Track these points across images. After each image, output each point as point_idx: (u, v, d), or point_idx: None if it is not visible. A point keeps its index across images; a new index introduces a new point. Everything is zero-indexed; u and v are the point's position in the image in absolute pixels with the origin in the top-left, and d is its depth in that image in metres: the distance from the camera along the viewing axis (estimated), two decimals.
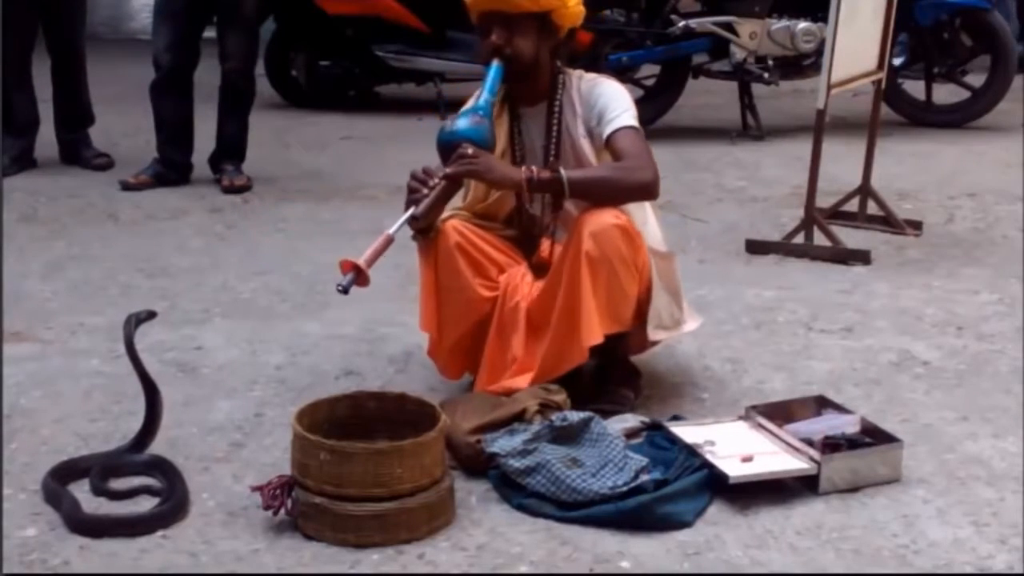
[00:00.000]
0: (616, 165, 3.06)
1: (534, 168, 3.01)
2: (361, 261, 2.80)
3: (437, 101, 7.22)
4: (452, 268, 3.11)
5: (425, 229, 3.05)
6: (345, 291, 2.81)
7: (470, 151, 2.95)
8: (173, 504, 2.70)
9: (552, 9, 3.10)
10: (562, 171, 2.99)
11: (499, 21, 3.09)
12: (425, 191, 2.94)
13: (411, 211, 2.94)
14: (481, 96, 3.08)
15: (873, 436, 2.93)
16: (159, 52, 5.54)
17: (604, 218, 2.98)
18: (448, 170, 2.96)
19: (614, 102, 3.11)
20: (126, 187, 5.56)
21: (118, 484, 2.81)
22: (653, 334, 3.13)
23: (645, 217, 3.18)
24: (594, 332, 3.00)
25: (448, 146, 3.00)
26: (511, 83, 3.18)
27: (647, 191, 3.05)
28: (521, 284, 3.18)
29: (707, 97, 7.56)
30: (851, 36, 4.53)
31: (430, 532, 2.60)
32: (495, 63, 3.10)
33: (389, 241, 2.87)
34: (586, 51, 6.80)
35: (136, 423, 2.96)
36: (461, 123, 3.02)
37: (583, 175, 3.04)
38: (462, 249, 3.11)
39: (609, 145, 3.08)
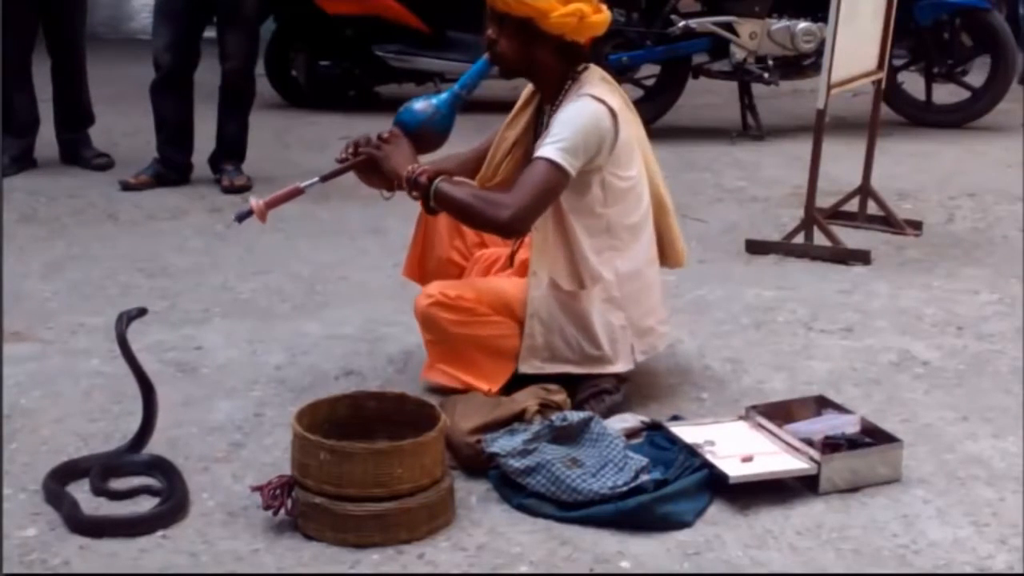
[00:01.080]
0: (484, 195, 3.04)
1: (418, 168, 3.03)
2: (260, 203, 3.04)
3: None
4: (433, 225, 3.34)
5: (375, 184, 3.18)
6: (239, 220, 3.08)
7: (386, 135, 3.09)
8: (173, 504, 2.70)
9: (530, 17, 3.01)
10: (437, 183, 2.99)
11: (493, 17, 3.09)
12: (345, 158, 3.14)
13: (318, 177, 3.13)
14: (452, 87, 3.14)
15: (873, 436, 2.94)
16: (159, 52, 5.54)
17: (422, 302, 3.12)
18: (361, 148, 3.12)
19: (559, 127, 2.99)
20: (126, 187, 5.56)
21: (118, 484, 2.81)
22: (528, 365, 3.13)
23: (614, 245, 3.10)
24: (491, 383, 3.12)
25: (396, 123, 3.14)
26: (507, 78, 3.21)
27: (497, 230, 3.05)
28: (492, 267, 3.33)
29: (707, 97, 7.56)
30: (851, 36, 4.52)
31: (430, 532, 2.60)
32: (484, 56, 3.13)
33: (296, 192, 3.11)
34: (586, 51, 6.80)
35: (135, 423, 2.96)
36: (412, 106, 3.15)
37: (450, 193, 3.00)
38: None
39: (525, 168, 3.04)
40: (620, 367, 3.18)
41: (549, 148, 2.97)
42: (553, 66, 3.12)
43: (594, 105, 3.02)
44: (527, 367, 3.11)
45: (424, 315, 3.12)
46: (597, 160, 3.03)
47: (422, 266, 3.41)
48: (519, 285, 3.14)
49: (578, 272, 3.09)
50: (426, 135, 3.10)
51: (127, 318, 2.91)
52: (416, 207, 3.18)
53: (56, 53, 5.88)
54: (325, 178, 3.14)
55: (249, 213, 3.03)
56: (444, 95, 3.14)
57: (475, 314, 3.10)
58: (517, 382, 3.12)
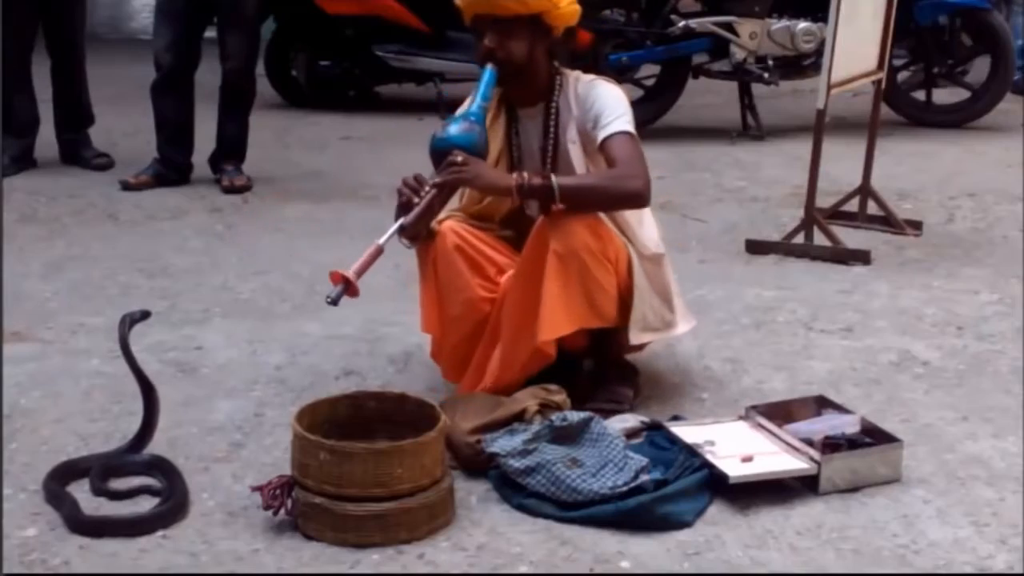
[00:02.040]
0: (608, 173, 3.04)
1: (525, 174, 2.98)
2: (350, 273, 2.79)
3: (437, 101, 7.22)
4: (452, 269, 3.10)
5: (415, 236, 3.03)
6: (334, 303, 2.80)
7: (459, 159, 2.94)
8: (173, 504, 2.70)
9: (543, 11, 3.07)
10: (553, 178, 2.97)
11: (491, 25, 3.07)
12: (416, 200, 2.93)
13: (400, 221, 2.93)
14: (474, 102, 3.07)
15: (873, 436, 2.93)
16: (159, 52, 5.54)
17: (567, 215, 2.98)
18: (437, 178, 2.95)
19: (610, 106, 3.08)
20: (126, 187, 5.57)
21: (118, 484, 2.81)
22: (636, 337, 3.13)
23: (641, 217, 3.18)
24: (557, 326, 2.99)
25: (440, 153, 2.99)
26: (507, 85, 3.16)
27: (637, 200, 3.04)
28: None
29: (707, 97, 7.56)
30: (851, 36, 4.52)
31: (430, 532, 2.60)
32: (489, 67, 3.09)
33: (379, 252, 2.87)
34: (586, 51, 6.80)
35: (136, 423, 2.96)
36: (452, 129, 3.01)
37: (574, 182, 3.01)
38: (461, 250, 3.10)
39: (603, 150, 3.06)
40: (683, 327, 3.26)
41: (618, 123, 3.05)
42: (545, 65, 3.16)
43: (613, 84, 3.16)
44: (636, 337, 3.13)
45: (560, 221, 2.96)
46: None
47: (443, 316, 3.15)
48: (623, 245, 3.10)
49: (644, 240, 3.15)
50: (479, 153, 3.03)
51: (130, 320, 2.91)
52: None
53: (56, 53, 5.88)
54: (403, 228, 2.92)
55: (343, 291, 2.79)
56: (473, 110, 3.05)
57: (605, 254, 3.02)
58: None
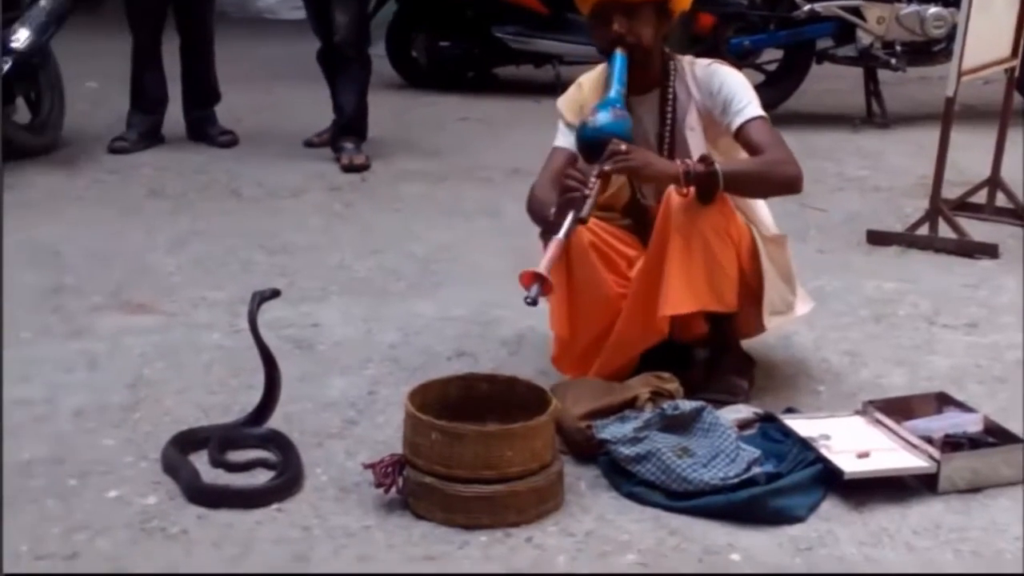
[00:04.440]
0: (767, 160, 3.02)
1: (688, 162, 2.96)
2: (542, 270, 2.77)
3: (555, 83, 7.20)
4: (587, 266, 3.06)
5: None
6: (534, 303, 2.77)
7: (623, 147, 2.91)
8: (288, 478, 2.75)
9: None
10: (717, 165, 2.94)
11: (619, 10, 3.05)
12: (586, 191, 2.87)
13: (577, 214, 2.87)
14: (611, 88, 3.03)
15: (997, 436, 2.85)
16: (313, 26, 5.90)
17: (689, 197, 2.96)
18: (605, 167, 2.91)
19: (740, 92, 3.07)
20: (309, 144, 5.94)
21: (235, 456, 2.88)
22: (768, 320, 3.10)
23: (758, 202, 3.14)
24: (680, 302, 2.95)
25: (593, 142, 2.96)
26: (643, 66, 3.12)
27: (795, 186, 3.05)
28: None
29: (831, 83, 7.40)
30: (985, 22, 4.39)
31: (538, 516, 2.60)
32: (619, 52, 3.06)
33: (562, 246, 2.85)
34: (708, 35, 6.72)
35: (254, 397, 3.03)
36: (602, 118, 2.97)
37: (737, 169, 3.01)
38: (596, 247, 3.08)
39: (741, 136, 3.04)
40: (802, 309, 3.24)
41: (751, 108, 3.06)
42: (659, 50, 3.15)
43: (733, 68, 3.16)
44: (769, 322, 3.12)
45: (684, 202, 2.94)
46: None
47: (574, 315, 3.07)
48: (746, 224, 3.08)
49: (765, 222, 3.15)
50: (631, 140, 3.00)
51: (260, 298, 2.98)
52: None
53: (185, 32, 6.02)
54: (581, 218, 2.86)
55: (540, 290, 2.74)
56: (613, 96, 3.01)
57: (728, 233, 2.99)
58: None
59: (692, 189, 2.95)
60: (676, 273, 2.95)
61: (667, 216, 2.97)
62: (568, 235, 2.85)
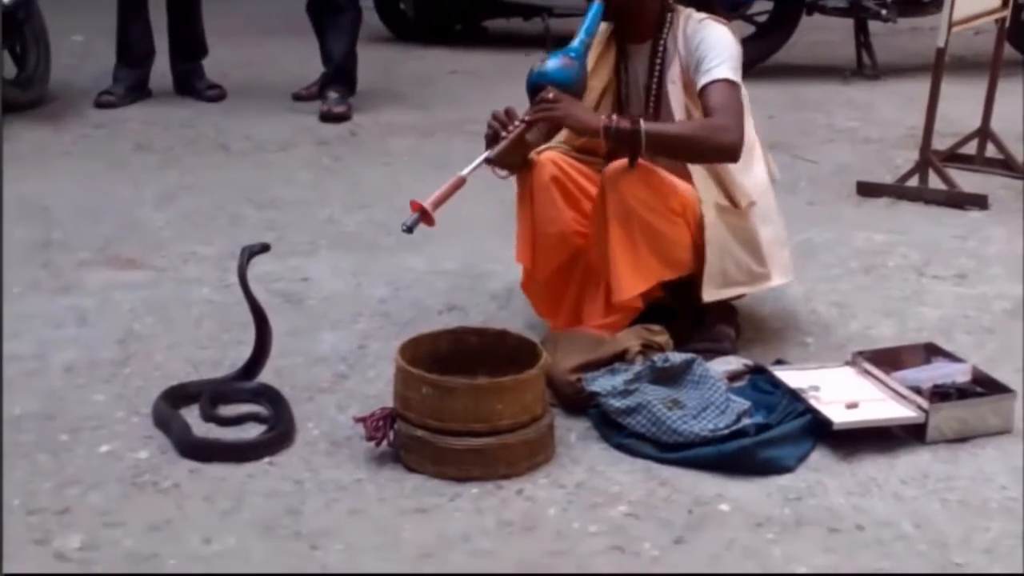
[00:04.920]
0: (700, 124, 2.99)
1: (615, 117, 2.94)
2: (428, 203, 2.81)
3: (544, 36, 7.15)
4: (547, 200, 3.09)
5: (510, 167, 3.03)
6: (409, 231, 2.82)
7: (551, 95, 2.92)
8: (280, 432, 2.76)
9: None
10: (642, 123, 2.91)
11: None
12: (504, 133, 2.92)
13: (485, 154, 2.92)
14: (577, 36, 3.04)
15: (985, 386, 2.87)
16: None
17: (622, 171, 2.95)
18: (526, 115, 2.94)
19: (715, 50, 3.00)
20: (297, 98, 5.88)
21: (226, 411, 2.88)
22: (711, 294, 3.08)
23: (750, 162, 3.12)
24: (630, 286, 2.99)
25: (535, 88, 2.98)
26: (614, 20, 3.13)
27: (727, 155, 2.97)
28: None
29: (821, 34, 7.36)
30: None
31: (529, 468, 2.61)
32: (596, 1, 3.05)
33: (460, 183, 2.87)
34: None
35: (244, 351, 3.03)
36: (550, 65, 2.99)
37: (664, 130, 2.96)
38: (558, 182, 3.09)
39: (701, 97, 2.99)
40: (778, 280, 3.21)
41: (720, 69, 2.97)
42: (657, 1, 3.11)
43: (723, 26, 3.07)
44: (709, 295, 3.09)
45: (618, 186, 2.95)
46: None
47: (535, 247, 3.13)
48: (695, 196, 3.05)
49: (731, 192, 3.09)
50: (576, 90, 3.01)
51: (249, 253, 2.96)
52: (508, 188, 3.13)
53: None
54: (490, 159, 2.92)
55: (418, 220, 2.81)
56: (575, 46, 3.02)
57: (667, 207, 3.00)
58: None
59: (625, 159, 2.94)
60: (620, 260, 2.97)
61: (603, 200, 2.98)
62: (470, 172, 2.87)
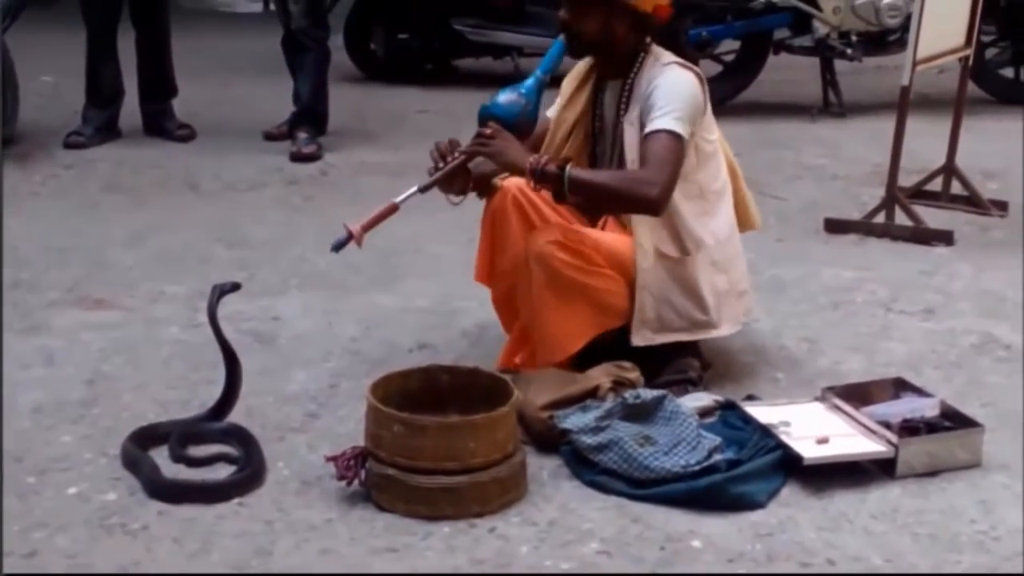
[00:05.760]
0: (626, 175, 3.01)
1: (543, 159, 2.97)
2: (357, 227, 2.95)
3: (514, 75, 7.20)
4: (505, 225, 3.16)
5: (458, 192, 3.13)
6: (336, 250, 2.97)
7: (488, 131, 3.00)
8: (250, 472, 2.74)
9: None
10: (568, 169, 2.94)
11: (567, 0, 3.07)
12: (441, 165, 3.03)
13: (417, 186, 3.04)
14: (532, 74, 3.10)
15: (953, 420, 2.89)
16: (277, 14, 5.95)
17: (540, 240, 3.00)
18: (463, 148, 3.03)
19: (665, 98, 2.99)
20: (268, 137, 5.92)
21: (196, 451, 2.86)
22: (642, 338, 3.08)
23: (712, 211, 3.11)
24: (568, 345, 3.04)
25: (482, 121, 3.06)
26: (579, 58, 3.18)
27: (647, 209, 2.98)
28: None
29: (788, 73, 7.44)
30: (938, 11, 4.42)
31: (502, 506, 2.61)
32: (559, 39, 3.11)
33: (392, 210, 3.00)
34: (665, 25, 6.71)
35: (214, 391, 3.01)
36: (498, 99, 3.08)
37: (590, 178, 2.99)
38: (519, 208, 3.14)
39: (641, 145, 3.01)
40: (726, 330, 3.20)
41: (666, 119, 2.97)
42: (628, 41, 3.11)
43: (687, 73, 3.06)
44: (639, 339, 3.09)
45: (541, 254, 2.99)
46: (695, 126, 3.04)
47: (493, 269, 3.23)
48: (629, 244, 3.08)
49: (681, 238, 3.08)
50: (521, 126, 3.06)
51: (220, 291, 2.96)
52: (478, 207, 3.19)
53: (140, 26, 5.95)
54: (424, 188, 3.04)
55: (347, 240, 2.94)
56: (529, 83, 3.09)
57: (592, 263, 3.02)
58: (592, 358, 3.10)
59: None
60: (553, 322, 3.03)
61: (527, 271, 3.03)
62: (403, 201, 3.01)
